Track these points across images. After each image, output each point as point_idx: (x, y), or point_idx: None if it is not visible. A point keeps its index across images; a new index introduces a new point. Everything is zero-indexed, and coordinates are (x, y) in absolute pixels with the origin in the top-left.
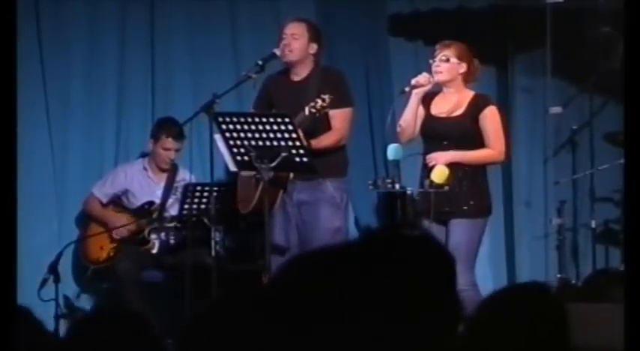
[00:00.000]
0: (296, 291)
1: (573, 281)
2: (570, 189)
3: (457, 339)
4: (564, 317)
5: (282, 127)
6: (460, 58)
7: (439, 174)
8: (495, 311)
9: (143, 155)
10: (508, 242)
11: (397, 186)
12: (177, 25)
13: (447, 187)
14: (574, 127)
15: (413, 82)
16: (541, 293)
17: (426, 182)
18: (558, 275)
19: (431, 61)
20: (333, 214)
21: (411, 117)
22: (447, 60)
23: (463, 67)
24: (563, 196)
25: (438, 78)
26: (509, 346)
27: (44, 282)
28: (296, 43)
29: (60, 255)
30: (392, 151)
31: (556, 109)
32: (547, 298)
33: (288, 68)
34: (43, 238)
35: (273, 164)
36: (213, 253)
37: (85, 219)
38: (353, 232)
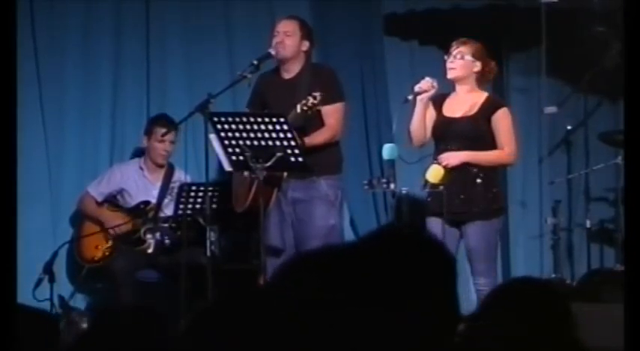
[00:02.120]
0: (295, 291)
1: (568, 281)
2: (565, 189)
3: (457, 337)
4: (569, 313)
5: (278, 127)
6: (475, 56)
7: (435, 174)
8: (501, 308)
9: (137, 153)
10: (503, 242)
11: (392, 186)
12: (172, 25)
13: (441, 187)
14: (569, 127)
15: (416, 88)
16: (545, 290)
17: (421, 182)
18: (553, 275)
19: (445, 57)
20: (328, 211)
21: (419, 123)
22: (462, 57)
23: (477, 66)
24: (558, 195)
25: (451, 74)
26: (515, 343)
27: (39, 282)
28: (289, 40)
29: (55, 255)
30: (387, 150)
31: (551, 109)
32: (552, 295)
33: (279, 66)
34: (37, 238)
35: (269, 164)
36: (208, 252)
37: (80, 218)
38: (348, 231)
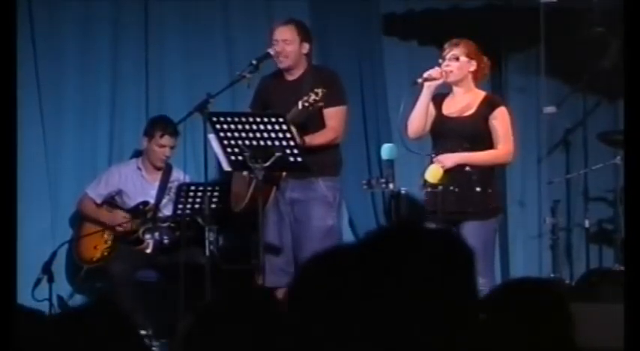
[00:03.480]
0: (318, 291)
1: (567, 281)
2: (564, 188)
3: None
4: (568, 314)
5: (277, 127)
6: (469, 56)
7: (433, 174)
8: (499, 307)
9: (136, 154)
10: (502, 241)
11: (391, 186)
12: (171, 26)
13: (440, 187)
14: (568, 127)
15: (425, 75)
16: (544, 290)
17: (420, 182)
18: (552, 275)
19: (440, 60)
20: (326, 212)
21: (422, 111)
22: (457, 58)
23: (473, 65)
24: (556, 195)
25: (449, 78)
26: (514, 341)
27: (38, 282)
28: (289, 47)
29: (54, 255)
30: (386, 150)
31: (550, 109)
32: (552, 295)
33: (281, 69)
34: (36, 238)
35: (268, 164)
36: (207, 252)
37: (78, 219)
38: (346, 231)
